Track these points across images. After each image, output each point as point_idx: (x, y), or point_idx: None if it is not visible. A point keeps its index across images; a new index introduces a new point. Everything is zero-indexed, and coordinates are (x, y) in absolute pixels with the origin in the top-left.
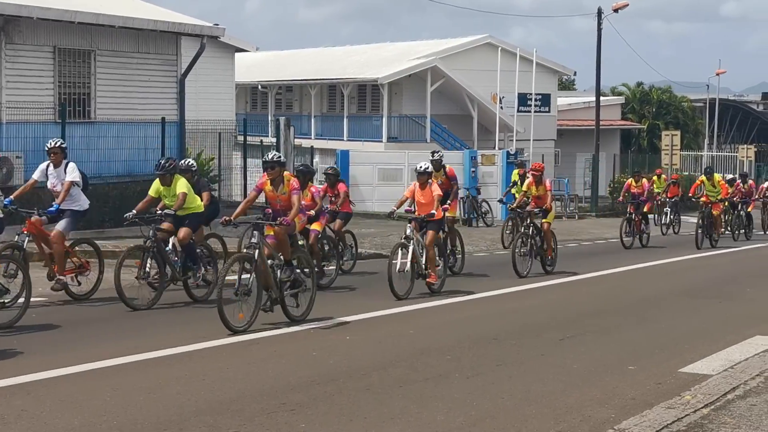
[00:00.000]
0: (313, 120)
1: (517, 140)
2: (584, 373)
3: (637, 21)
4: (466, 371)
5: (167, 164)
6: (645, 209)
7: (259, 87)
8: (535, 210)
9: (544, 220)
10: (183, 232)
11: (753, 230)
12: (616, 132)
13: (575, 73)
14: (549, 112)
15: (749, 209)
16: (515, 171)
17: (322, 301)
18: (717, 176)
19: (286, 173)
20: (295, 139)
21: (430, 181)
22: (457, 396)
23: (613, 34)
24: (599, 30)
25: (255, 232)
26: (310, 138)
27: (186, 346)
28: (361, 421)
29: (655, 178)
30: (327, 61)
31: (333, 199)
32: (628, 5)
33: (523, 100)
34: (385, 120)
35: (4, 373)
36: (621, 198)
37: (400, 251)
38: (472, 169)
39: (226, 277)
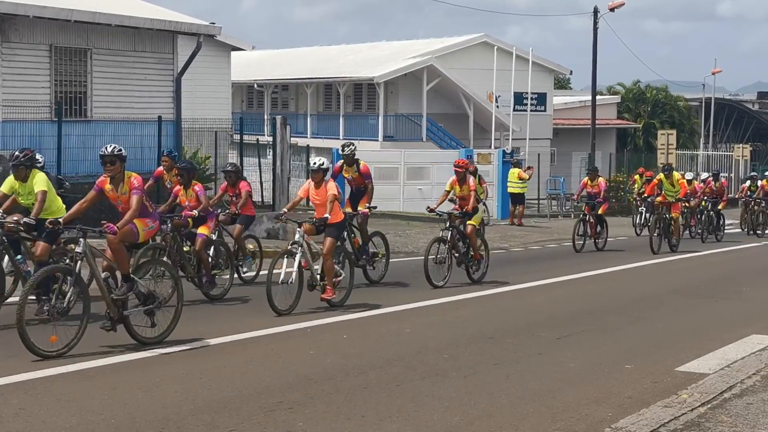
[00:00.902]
0: (309, 119)
1: (513, 139)
2: (581, 371)
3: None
4: (463, 370)
5: (23, 156)
6: (600, 211)
7: (256, 86)
8: (456, 212)
9: (468, 222)
10: (41, 247)
11: (724, 231)
12: (612, 131)
13: (571, 72)
14: (545, 111)
15: (720, 208)
16: (513, 170)
17: (318, 299)
18: (676, 174)
19: (129, 172)
20: (291, 138)
21: (326, 178)
22: (454, 395)
23: (609, 34)
24: (595, 29)
25: (81, 240)
26: (306, 137)
27: (183, 345)
28: (359, 419)
29: (636, 177)
30: (323, 60)
31: (233, 199)
32: (624, 4)
33: (519, 99)
34: (381, 119)
35: (2, 372)
36: (575, 197)
37: (285, 260)
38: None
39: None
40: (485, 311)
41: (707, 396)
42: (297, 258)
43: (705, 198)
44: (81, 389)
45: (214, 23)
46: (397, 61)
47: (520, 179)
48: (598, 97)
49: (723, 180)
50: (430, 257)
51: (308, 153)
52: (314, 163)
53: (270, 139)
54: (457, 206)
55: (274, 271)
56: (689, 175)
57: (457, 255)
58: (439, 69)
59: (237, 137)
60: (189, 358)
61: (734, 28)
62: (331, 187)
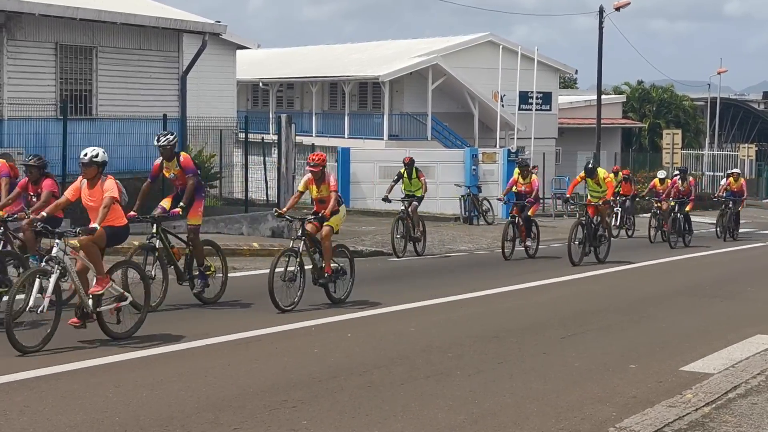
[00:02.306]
0: (314, 117)
1: (518, 138)
2: (585, 371)
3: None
4: (468, 369)
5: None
6: (530, 212)
7: (261, 84)
8: (309, 216)
9: (326, 224)
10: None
11: (692, 234)
12: (617, 130)
13: (576, 72)
14: (550, 110)
15: (687, 209)
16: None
17: (322, 298)
18: (602, 172)
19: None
20: (296, 137)
21: (104, 176)
22: (459, 394)
23: (615, 33)
24: (600, 28)
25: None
26: (311, 135)
27: (188, 343)
28: (363, 418)
29: (611, 176)
30: (328, 58)
31: (34, 200)
32: (630, 3)
33: (524, 98)
34: (386, 118)
35: (7, 369)
36: (501, 197)
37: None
38: (473, 167)
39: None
40: (489, 310)
41: (712, 396)
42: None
43: (671, 199)
44: (86, 387)
45: (219, 22)
46: (403, 60)
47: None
48: (603, 96)
49: (691, 179)
50: (277, 270)
51: (313, 151)
52: (85, 155)
53: (275, 137)
54: (316, 210)
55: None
56: (662, 174)
57: (314, 272)
58: (444, 68)
59: (242, 136)
60: (193, 356)
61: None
62: (109, 186)
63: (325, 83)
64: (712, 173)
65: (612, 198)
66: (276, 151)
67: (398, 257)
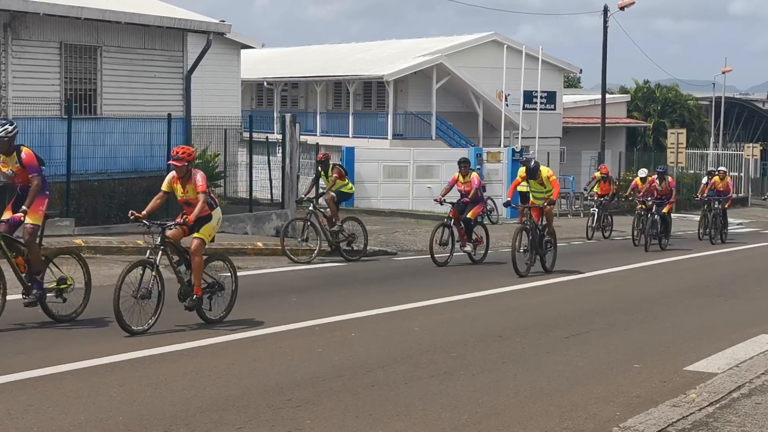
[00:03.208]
0: (318, 117)
1: (522, 138)
2: (589, 370)
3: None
4: (471, 369)
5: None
6: (470, 214)
7: (265, 84)
8: (170, 223)
9: (195, 235)
10: None
11: (671, 237)
12: (622, 130)
13: (581, 71)
14: (555, 109)
15: (666, 210)
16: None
17: (324, 299)
18: (545, 170)
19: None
20: (301, 136)
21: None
22: (462, 393)
23: (620, 33)
24: (605, 28)
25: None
26: (316, 135)
27: (192, 342)
28: (367, 417)
29: (597, 174)
30: (333, 58)
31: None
32: (634, 3)
33: (528, 97)
34: (390, 117)
35: (11, 369)
36: (440, 198)
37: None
38: (478, 167)
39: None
40: (493, 310)
41: (716, 396)
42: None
43: (649, 199)
44: (90, 386)
45: (224, 21)
46: (407, 59)
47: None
48: (608, 95)
49: (670, 179)
50: (125, 284)
51: (317, 151)
52: None
53: (279, 136)
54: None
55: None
56: (642, 173)
57: (181, 290)
58: (448, 67)
59: (246, 135)
60: (197, 355)
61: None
62: None
63: (329, 83)
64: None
65: (589, 196)
66: (280, 151)
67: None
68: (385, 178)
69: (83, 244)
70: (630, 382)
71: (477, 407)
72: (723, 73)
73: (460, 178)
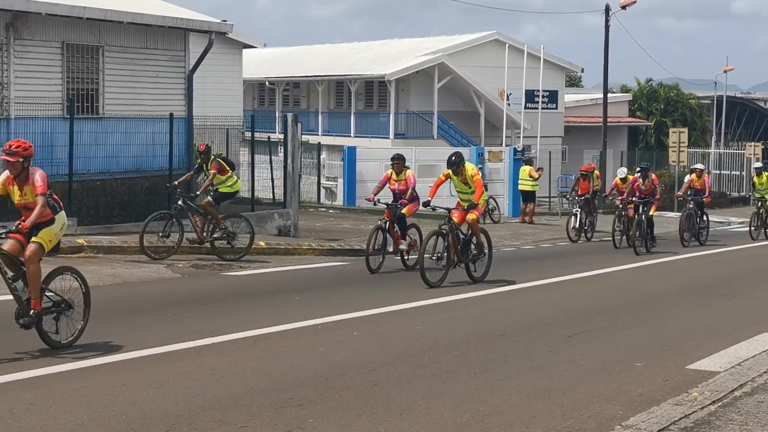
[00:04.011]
0: (320, 116)
1: (524, 137)
2: (592, 369)
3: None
4: (474, 367)
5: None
6: (405, 210)
7: (267, 83)
8: (13, 227)
9: (33, 240)
10: None
11: (656, 241)
12: (624, 129)
13: (583, 70)
14: (556, 108)
15: (651, 212)
16: (524, 167)
17: (326, 298)
18: (470, 168)
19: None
20: (303, 136)
21: None
22: (465, 392)
23: (622, 32)
24: (607, 27)
25: None
26: (318, 134)
27: (194, 342)
28: (369, 416)
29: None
30: (334, 57)
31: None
32: (636, 2)
33: (530, 96)
34: (392, 116)
35: (14, 368)
36: (372, 197)
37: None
38: (479, 166)
39: None
40: (496, 309)
41: (718, 394)
42: None
43: (633, 199)
44: (92, 385)
45: (225, 21)
46: (409, 58)
47: (531, 177)
48: (609, 95)
49: (654, 177)
50: None
51: (319, 150)
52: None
53: (281, 136)
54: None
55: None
56: (621, 173)
57: (19, 309)
58: (450, 66)
59: (248, 134)
60: (200, 354)
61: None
62: None
63: (331, 82)
64: (718, 171)
65: (569, 196)
66: (282, 150)
67: None
68: None
69: (86, 244)
70: (632, 380)
71: (479, 406)
72: (725, 72)
73: (393, 176)
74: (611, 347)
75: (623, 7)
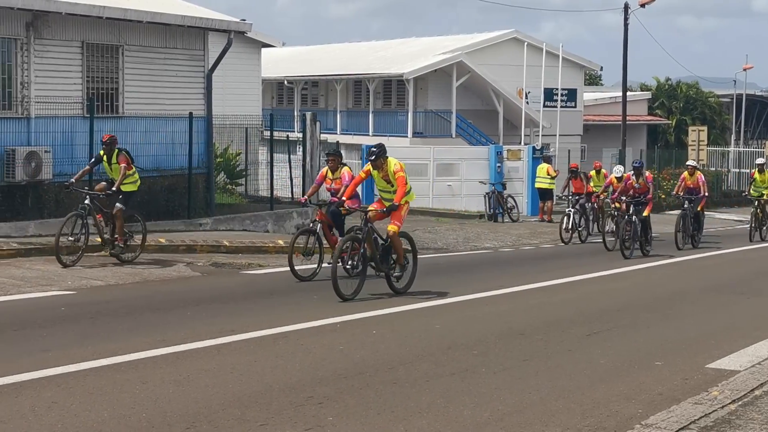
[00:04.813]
0: (338, 115)
1: (543, 135)
2: (611, 368)
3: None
4: (493, 366)
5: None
6: (345, 205)
7: (285, 82)
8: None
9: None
10: None
11: (652, 243)
12: (643, 127)
13: (602, 68)
14: (575, 107)
15: (645, 213)
16: (542, 165)
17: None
18: (393, 163)
19: None
20: (321, 135)
21: None
22: (484, 391)
23: (641, 30)
24: (626, 25)
25: None
26: (336, 133)
27: (214, 340)
28: (389, 414)
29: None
30: (353, 56)
31: None
32: (654, 0)
33: (549, 95)
34: (410, 115)
35: (35, 366)
36: (305, 198)
37: None
38: (498, 165)
39: None
40: (514, 308)
41: (738, 393)
42: None
43: (623, 199)
44: (113, 383)
45: (244, 20)
46: (427, 57)
47: (549, 175)
48: (629, 93)
49: (648, 174)
50: None
51: (338, 149)
52: None
53: (300, 135)
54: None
55: None
56: (618, 171)
57: None
58: (468, 65)
59: (267, 133)
60: (219, 352)
61: None
62: None
63: (349, 81)
64: (738, 170)
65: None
66: (301, 149)
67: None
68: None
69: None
70: (652, 379)
71: (499, 404)
72: (744, 70)
73: (329, 174)
74: (630, 346)
75: (642, 5)
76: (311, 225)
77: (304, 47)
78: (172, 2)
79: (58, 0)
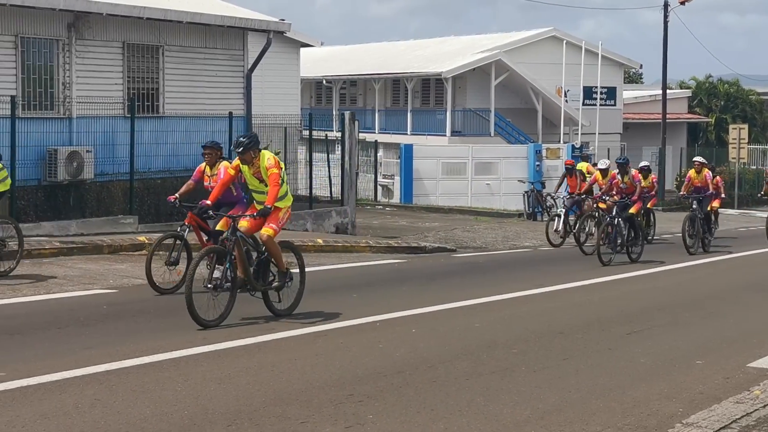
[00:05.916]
0: (377, 114)
1: (582, 134)
2: (652, 367)
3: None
4: (533, 365)
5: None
6: (210, 199)
7: (324, 82)
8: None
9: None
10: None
11: (643, 246)
12: (683, 125)
13: (641, 66)
14: (615, 105)
15: (633, 211)
16: (581, 164)
17: (384, 295)
18: (267, 157)
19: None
20: (360, 134)
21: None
22: (524, 389)
23: (681, 27)
24: (665, 23)
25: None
26: (374, 132)
27: (255, 338)
28: (429, 413)
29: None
30: (391, 55)
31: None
32: None
33: (588, 93)
34: (448, 114)
35: (78, 363)
36: (175, 197)
37: None
38: (537, 163)
39: None
40: (554, 306)
41: None
42: None
43: (606, 198)
44: (155, 380)
45: (283, 20)
46: (465, 56)
47: (589, 173)
48: (668, 91)
49: (634, 172)
50: None
51: (376, 148)
52: None
53: (338, 134)
54: None
55: None
56: (603, 163)
57: None
58: (507, 63)
59: (306, 133)
60: (260, 350)
61: None
62: None
63: (387, 80)
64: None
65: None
66: (339, 148)
67: None
68: (444, 175)
69: (147, 241)
70: (693, 378)
71: (539, 403)
72: None
73: (207, 170)
74: (671, 345)
75: (682, 3)
76: (179, 230)
77: (343, 47)
78: (211, 2)
79: (99, 1)
